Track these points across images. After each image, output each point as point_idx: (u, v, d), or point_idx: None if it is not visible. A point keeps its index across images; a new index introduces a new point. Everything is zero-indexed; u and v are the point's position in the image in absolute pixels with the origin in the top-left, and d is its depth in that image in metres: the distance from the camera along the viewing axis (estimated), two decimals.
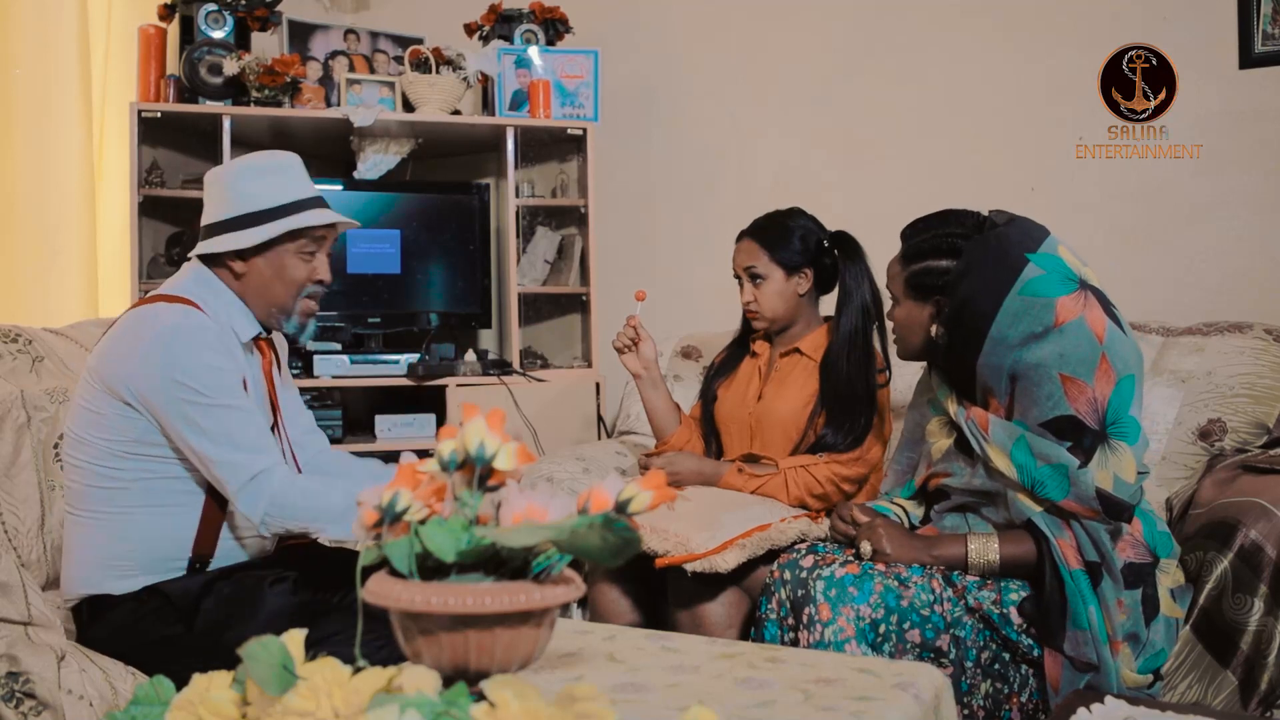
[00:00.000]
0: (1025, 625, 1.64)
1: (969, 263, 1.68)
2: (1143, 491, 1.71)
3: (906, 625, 1.64)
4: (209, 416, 1.60)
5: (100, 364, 1.66)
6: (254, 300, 1.73)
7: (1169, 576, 1.67)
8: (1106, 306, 1.65)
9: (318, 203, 1.75)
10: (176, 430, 1.61)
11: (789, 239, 2.17)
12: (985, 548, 1.68)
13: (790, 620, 1.72)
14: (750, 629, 1.90)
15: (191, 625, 1.62)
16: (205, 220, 1.73)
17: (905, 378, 2.51)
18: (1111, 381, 1.61)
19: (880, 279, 2.17)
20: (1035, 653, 1.64)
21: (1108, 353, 1.61)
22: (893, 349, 2.38)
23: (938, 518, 1.81)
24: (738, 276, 2.22)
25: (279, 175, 1.73)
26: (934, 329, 1.75)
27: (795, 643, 1.70)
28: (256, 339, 1.78)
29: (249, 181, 1.71)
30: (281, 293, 1.72)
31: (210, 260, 1.73)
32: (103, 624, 1.65)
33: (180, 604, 1.63)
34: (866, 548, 1.73)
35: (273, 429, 1.77)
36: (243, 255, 1.71)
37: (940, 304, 1.73)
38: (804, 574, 1.72)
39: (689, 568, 1.86)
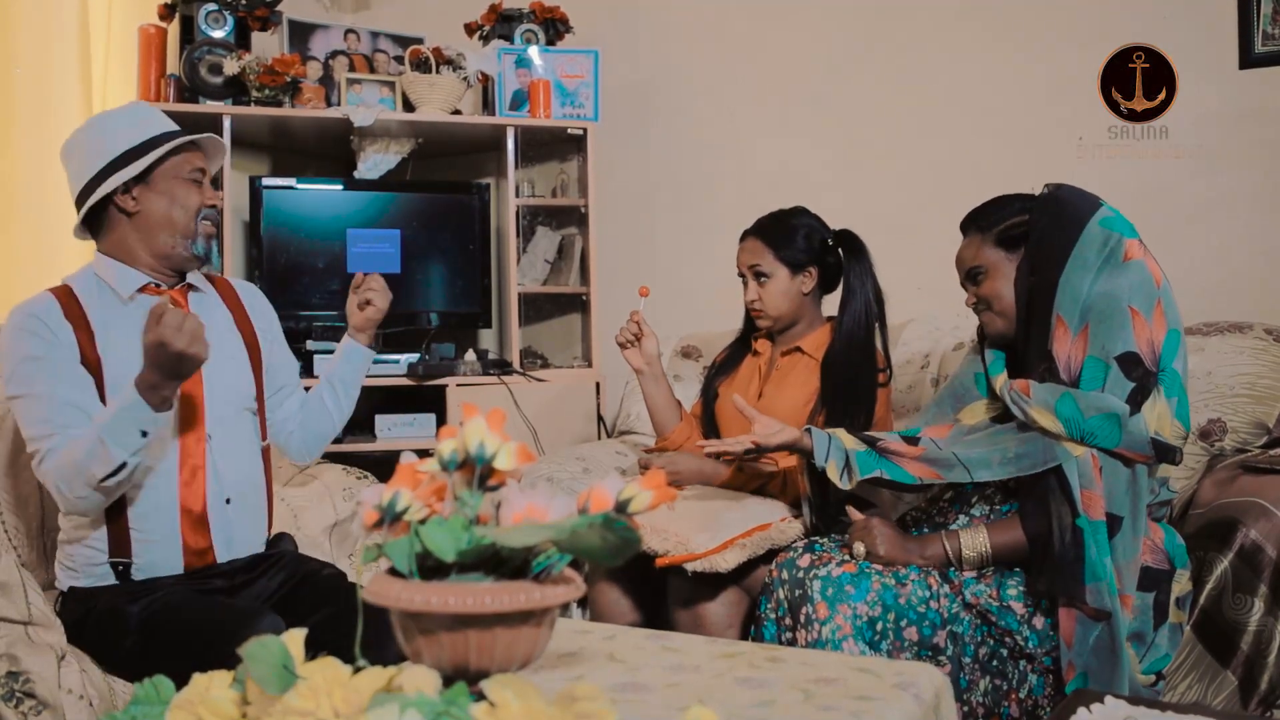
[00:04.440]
0: (1030, 613, 1.65)
1: (1047, 200, 1.77)
2: (1170, 508, 1.76)
3: (904, 623, 1.65)
4: (15, 410, 1.66)
5: None
6: (152, 236, 1.74)
7: (1179, 586, 1.67)
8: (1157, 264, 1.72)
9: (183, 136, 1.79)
10: None
11: (793, 237, 2.18)
12: (975, 539, 1.71)
13: (788, 620, 1.72)
14: (750, 628, 1.90)
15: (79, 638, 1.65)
16: (79, 182, 1.72)
17: (905, 378, 2.52)
18: (1163, 328, 1.66)
19: (883, 279, 2.17)
20: (1031, 645, 1.64)
21: (1162, 299, 1.67)
22: (896, 349, 2.38)
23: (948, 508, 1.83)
24: (742, 275, 2.23)
25: (138, 116, 1.77)
26: (1029, 280, 1.77)
27: (793, 642, 1.70)
28: (148, 289, 1.76)
29: (112, 129, 1.73)
30: (182, 217, 1.74)
31: (94, 219, 1.74)
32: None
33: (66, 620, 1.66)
34: (860, 548, 1.75)
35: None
36: (133, 195, 1.72)
37: (1028, 251, 1.78)
38: (801, 574, 1.73)
39: (689, 567, 1.86)
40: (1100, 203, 1.74)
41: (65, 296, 1.72)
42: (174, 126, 1.79)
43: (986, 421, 1.82)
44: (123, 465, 1.55)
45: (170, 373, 1.52)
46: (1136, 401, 1.62)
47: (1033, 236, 1.76)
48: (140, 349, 1.55)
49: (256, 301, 1.96)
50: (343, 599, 1.69)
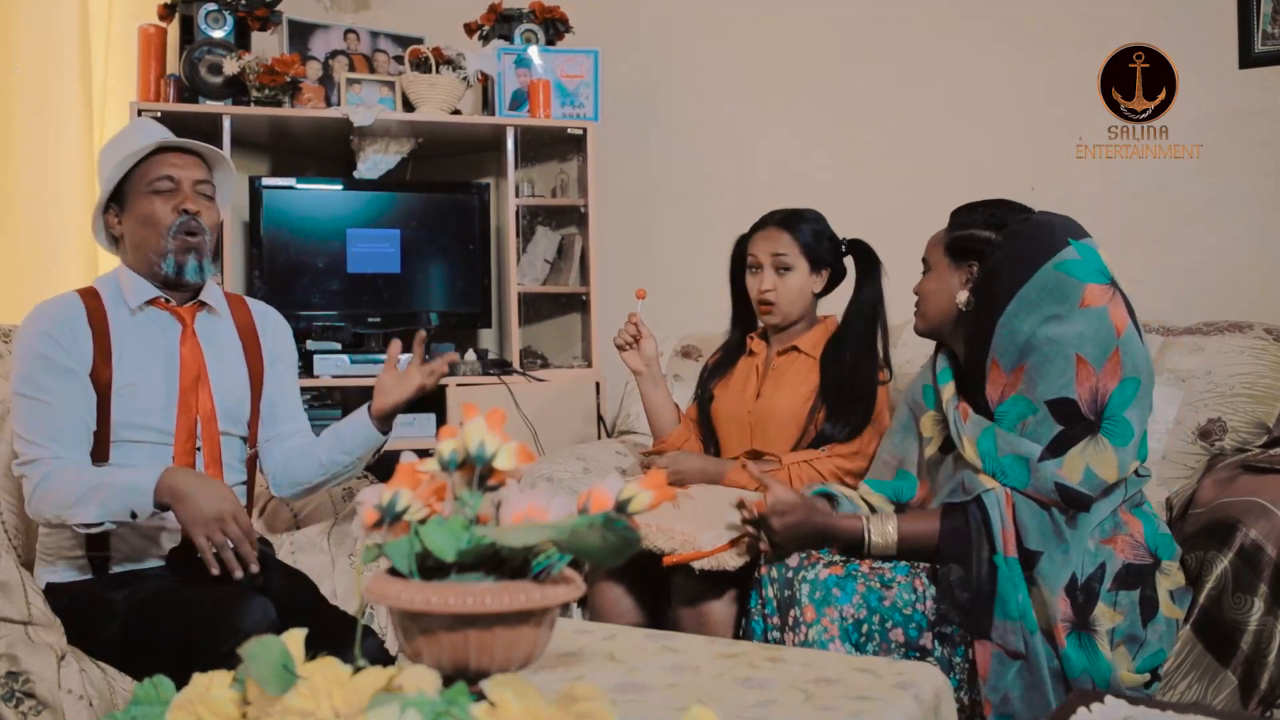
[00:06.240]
0: (938, 623, 1.65)
1: (1011, 234, 1.72)
2: (1143, 494, 1.73)
3: (889, 624, 1.66)
4: (15, 405, 1.68)
5: None
6: (138, 255, 1.76)
7: (1169, 579, 1.67)
8: (1130, 311, 1.67)
9: (163, 147, 1.78)
10: None
11: (819, 235, 2.18)
12: (883, 527, 1.71)
13: (775, 620, 1.73)
14: (741, 619, 1.91)
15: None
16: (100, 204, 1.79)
17: (905, 378, 2.52)
18: (1117, 378, 1.62)
19: (887, 283, 2.18)
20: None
21: (1121, 348, 1.62)
22: (896, 349, 2.38)
23: None
24: (755, 265, 2.21)
25: (123, 139, 1.79)
26: (962, 297, 1.76)
27: (780, 642, 1.71)
28: (158, 302, 1.77)
29: (103, 161, 1.78)
30: (153, 236, 1.74)
31: (111, 243, 1.81)
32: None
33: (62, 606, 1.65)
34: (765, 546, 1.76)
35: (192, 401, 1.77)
36: (119, 218, 1.77)
37: (972, 270, 1.76)
38: (790, 574, 1.74)
39: (697, 565, 1.87)
40: (1069, 241, 1.66)
41: (90, 300, 1.73)
42: (157, 138, 1.76)
43: (935, 455, 1.83)
44: (99, 524, 1.61)
45: (192, 518, 1.57)
46: (1059, 447, 1.61)
47: (984, 267, 1.74)
48: (144, 364, 1.71)
49: (271, 326, 1.94)
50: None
